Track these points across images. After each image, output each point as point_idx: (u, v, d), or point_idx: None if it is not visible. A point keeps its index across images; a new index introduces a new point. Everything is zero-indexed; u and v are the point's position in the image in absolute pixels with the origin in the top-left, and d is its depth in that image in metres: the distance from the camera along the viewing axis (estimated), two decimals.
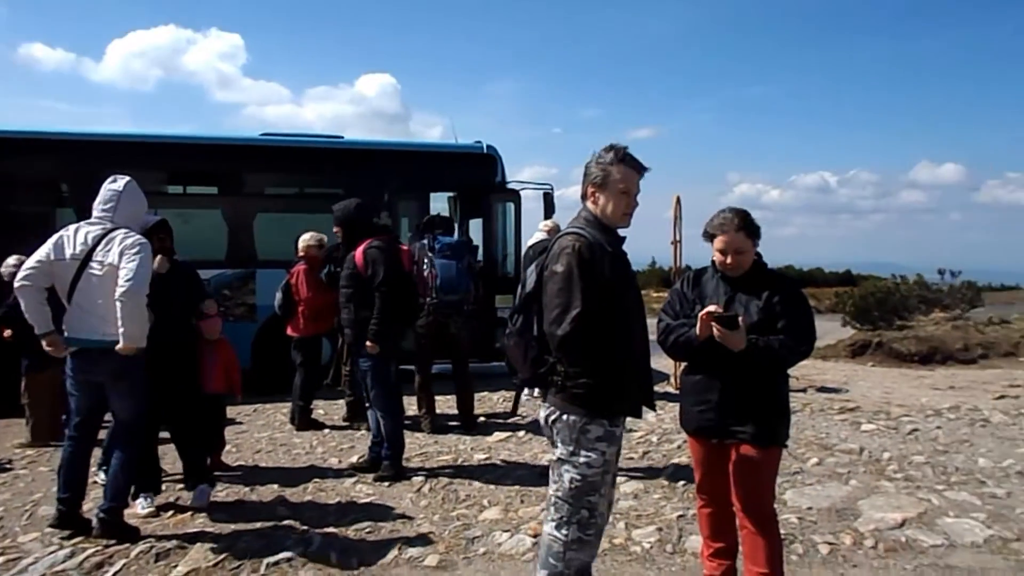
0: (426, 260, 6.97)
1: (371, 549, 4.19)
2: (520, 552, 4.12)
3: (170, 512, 4.76)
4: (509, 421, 7.29)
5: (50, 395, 6.41)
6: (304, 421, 7.23)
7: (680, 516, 4.62)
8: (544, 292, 2.95)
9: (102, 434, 4.68)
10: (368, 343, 5.45)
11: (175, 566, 3.96)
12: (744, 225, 3.28)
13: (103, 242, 4.18)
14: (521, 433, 6.84)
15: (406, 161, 10.02)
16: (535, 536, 4.17)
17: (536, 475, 5.39)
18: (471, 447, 6.49)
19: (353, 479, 5.51)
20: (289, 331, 7.37)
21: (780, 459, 3.37)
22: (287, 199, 10.55)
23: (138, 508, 4.69)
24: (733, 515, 3.41)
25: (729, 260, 3.29)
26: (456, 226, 8.57)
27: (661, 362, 8.12)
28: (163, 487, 5.05)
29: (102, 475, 4.87)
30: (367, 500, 5.07)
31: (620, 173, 2.98)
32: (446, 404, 7.58)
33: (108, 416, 4.44)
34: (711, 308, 3.18)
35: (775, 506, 3.42)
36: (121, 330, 4.02)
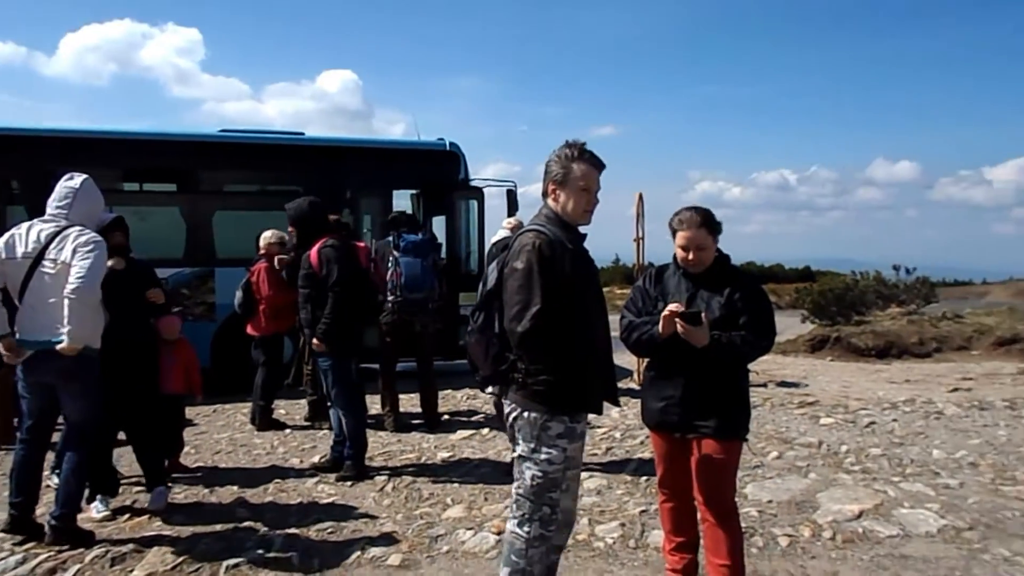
0: (391, 258, 6.92)
1: (333, 550, 4.15)
2: (484, 550, 4.12)
3: (126, 515, 4.66)
4: (473, 419, 7.28)
5: (2, 398, 6.25)
6: (265, 421, 7.15)
7: (643, 511, 4.65)
8: (505, 289, 2.95)
9: (63, 437, 4.59)
10: (315, 341, 5.42)
11: (131, 570, 3.88)
12: (705, 222, 3.32)
13: (56, 240, 4.08)
14: (485, 431, 6.84)
15: (368, 158, 9.95)
16: (499, 533, 4.17)
17: (500, 472, 5.39)
18: (435, 445, 6.47)
19: (315, 479, 5.46)
20: (250, 330, 7.29)
21: (741, 452, 3.42)
22: (247, 196, 10.41)
23: (93, 512, 4.59)
24: (694, 509, 3.45)
25: (691, 256, 3.32)
26: (421, 224, 8.53)
27: (624, 358, 8.16)
28: (119, 490, 4.95)
29: (55, 479, 4.76)
30: (329, 500, 5.03)
31: (580, 170, 2.98)
32: (409, 402, 7.55)
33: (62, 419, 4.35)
34: (673, 307, 3.20)
35: (736, 499, 3.46)
36: (67, 329, 3.93)
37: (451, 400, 8.30)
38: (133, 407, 4.86)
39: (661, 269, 3.53)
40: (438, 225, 10.10)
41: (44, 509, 4.38)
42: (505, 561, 3.03)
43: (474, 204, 10.16)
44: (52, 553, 4.01)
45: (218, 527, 4.49)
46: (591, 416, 3.13)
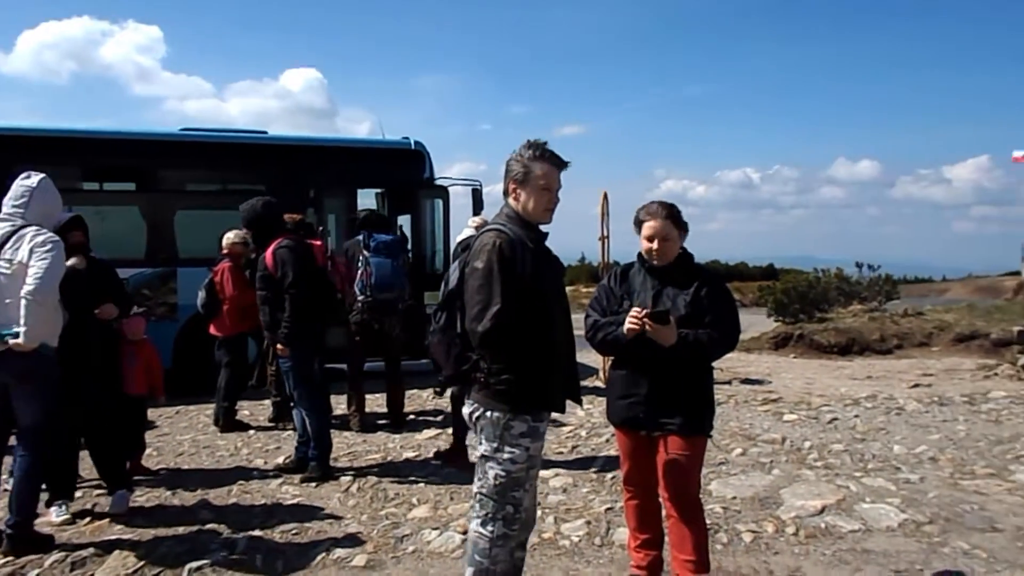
0: (361, 257, 6.88)
1: (297, 551, 4.12)
2: (450, 549, 4.11)
3: (87, 519, 4.58)
4: (438, 419, 7.26)
5: None
6: (228, 422, 7.07)
7: (608, 509, 4.67)
8: (466, 289, 2.95)
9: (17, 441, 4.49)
10: (279, 346, 5.37)
11: (92, 575, 3.82)
12: (671, 215, 3.36)
13: (12, 239, 4.00)
14: (451, 430, 6.80)
15: (333, 157, 9.88)
16: (464, 533, 4.15)
17: (465, 472, 5.37)
18: (400, 445, 6.44)
19: (279, 480, 5.41)
20: (213, 330, 7.20)
21: (706, 449, 3.45)
22: (209, 195, 10.27)
23: (52, 516, 4.50)
24: (659, 507, 3.48)
25: (655, 246, 3.34)
26: (390, 224, 8.50)
27: (590, 357, 8.19)
28: (79, 493, 4.87)
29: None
30: (294, 501, 4.98)
31: (541, 169, 2.99)
32: (375, 402, 7.51)
33: None
34: (636, 311, 3.21)
35: (700, 496, 3.49)
36: (23, 328, 3.85)
37: (417, 400, 8.27)
38: (94, 409, 4.77)
39: (626, 268, 3.56)
40: (403, 224, 10.07)
41: (1, 513, 4.29)
42: (469, 561, 3.03)
43: (439, 203, 10.14)
44: (10, 558, 3.92)
45: (181, 530, 4.42)
46: (556, 415, 3.13)
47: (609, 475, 5.34)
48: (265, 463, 5.93)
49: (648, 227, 3.36)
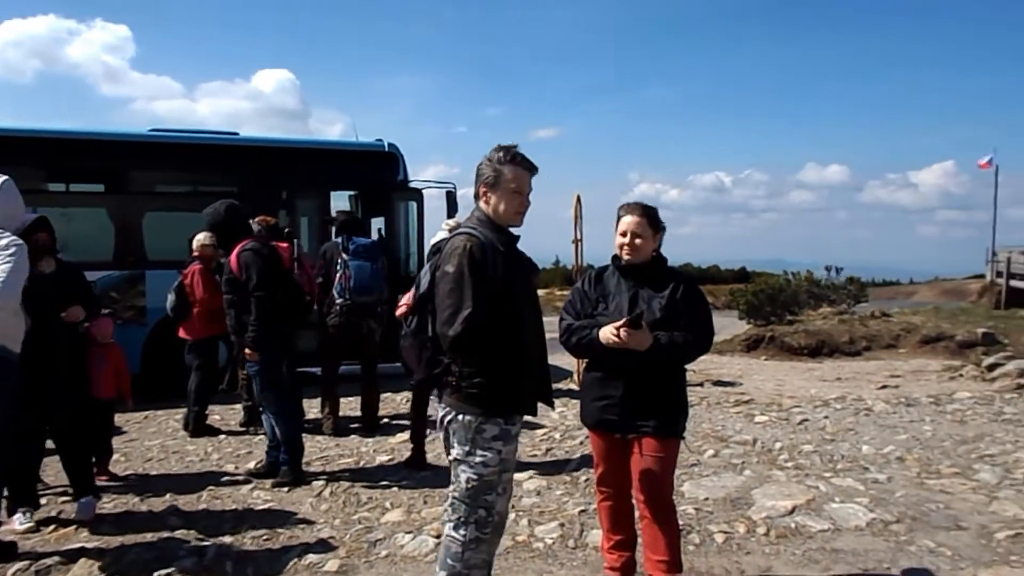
0: (339, 260, 6.84)
1: (269, 557, 4.07)
2: (423, 553, 4.09)
3: (51, 527, 4.49)
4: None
5: None
6: (198, 427, 6.99)
7: (582, 511, 4.67)
8: (436, 293, 2.94)
9: None
10: (247, 351, 5.32)
11: None
12: (646, 213, 3.39)
13: None
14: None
15: (305, 159, 9.82)
16: (438, 537, 4.14)
17: (439, 476, 5.35)
18: (373, 449, 6.40)
19: (250, 485, 5.36)
20: (182, 334, 7.12)
21: (679, 450, 3.46)
22: (179, 197, 10.15)
23: (15, 524, 4.41)
24: (632, 508, 3.49)
25: (627, 240, 3.36)
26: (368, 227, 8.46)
27: (564, 359, 8.21)
28: (43, 500, 4.79)
29: None
30: (265, 507, 4.94)
31: (511, 172, 2.98)
32: (348, 406, 7.46)
33: None
34: (612, 330, 3.21)
35: (673, 497, 3.50)
36: None
37: (390, 403, 8.23)
38: (60, 413, 4.69)
39: (600, 271, 3.57)
40: (377, 227, 10.03)
41: None
42: (441, 565, 3.01)
43: (413, 206, 10.13)
44: None
45: (148, 536, 4.36)
46: (530, 417, 3.13)
47: (583, 477, 5.35)
48: (236, 468, 5.86)
49: (623, 222, 3.39)
